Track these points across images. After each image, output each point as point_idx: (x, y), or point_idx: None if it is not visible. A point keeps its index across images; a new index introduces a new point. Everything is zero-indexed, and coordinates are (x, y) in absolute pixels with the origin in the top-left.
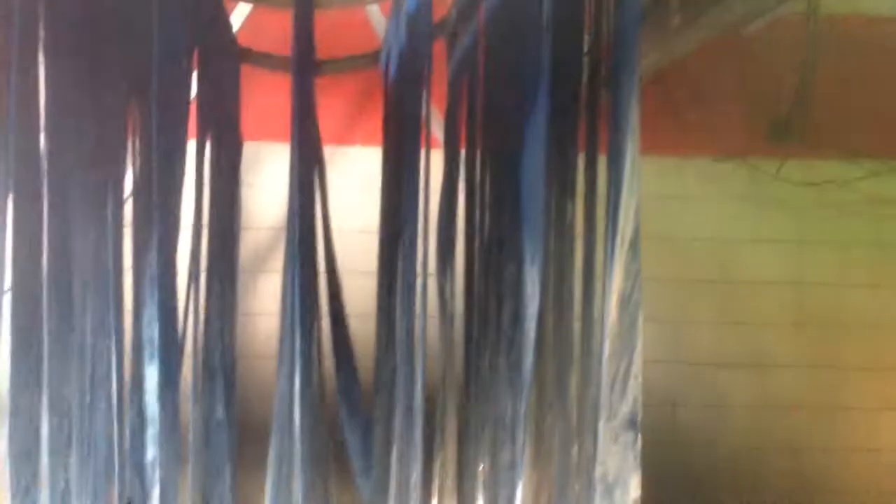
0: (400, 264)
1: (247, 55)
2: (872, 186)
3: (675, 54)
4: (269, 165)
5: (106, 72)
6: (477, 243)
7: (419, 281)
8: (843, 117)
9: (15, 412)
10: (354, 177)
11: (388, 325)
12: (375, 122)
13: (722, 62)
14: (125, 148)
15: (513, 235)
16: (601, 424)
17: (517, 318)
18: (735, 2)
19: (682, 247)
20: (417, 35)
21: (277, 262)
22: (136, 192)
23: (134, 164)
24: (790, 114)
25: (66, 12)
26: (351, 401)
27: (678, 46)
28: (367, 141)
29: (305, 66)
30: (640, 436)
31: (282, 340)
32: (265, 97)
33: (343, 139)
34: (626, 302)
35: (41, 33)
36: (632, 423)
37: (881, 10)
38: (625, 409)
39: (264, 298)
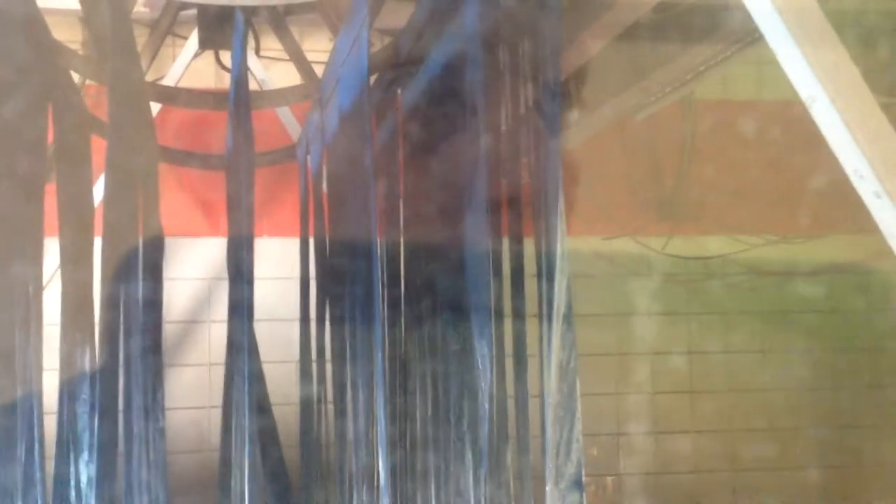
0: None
1: (165, 154)
2: (750, 259)
3: (570, 143)
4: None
5: None
6: (414, 323)
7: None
8: (720, 195)
9: None
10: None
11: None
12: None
13: (609, 146)
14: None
15: (459, 315)
16: (548, 488)
17: (467, 393)
18: (630, 94)
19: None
20: (351, 130)
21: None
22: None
23: None
24: (672, 193)
25: None
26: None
27: (575, 135)
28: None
29: (248, 161)
30: (584, 496)
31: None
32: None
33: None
34: (564, 370)
35: None
36: (577, 485)
37: (749, 94)
38: (570, 470)
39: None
